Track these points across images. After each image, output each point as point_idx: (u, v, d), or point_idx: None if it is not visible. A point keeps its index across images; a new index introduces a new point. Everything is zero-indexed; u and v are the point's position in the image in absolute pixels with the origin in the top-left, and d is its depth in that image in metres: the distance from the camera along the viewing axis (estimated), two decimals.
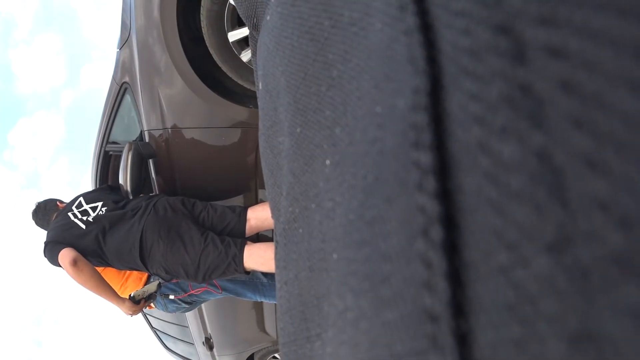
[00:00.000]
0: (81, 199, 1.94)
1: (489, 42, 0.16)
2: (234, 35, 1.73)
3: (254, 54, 0.54)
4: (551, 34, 0.14)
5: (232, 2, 1.67)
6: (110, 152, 2.22)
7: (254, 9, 0.51)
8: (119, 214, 1.81)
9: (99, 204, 1.88)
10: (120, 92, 1.99)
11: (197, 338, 2.51)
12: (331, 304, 0.27)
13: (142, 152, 1.88)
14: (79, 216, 1.83)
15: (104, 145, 2.20)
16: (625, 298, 0.11)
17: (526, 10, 0.15)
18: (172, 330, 2.73)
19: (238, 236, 1.80)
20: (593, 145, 0.13)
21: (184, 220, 1.75)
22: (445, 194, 0.18)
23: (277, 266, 0.40)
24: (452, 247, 0.17)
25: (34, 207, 2.05)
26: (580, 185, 0.13)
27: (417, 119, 0.19)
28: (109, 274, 2.00)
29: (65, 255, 1.68)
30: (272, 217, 0.45)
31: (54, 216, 1.95)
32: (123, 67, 1.94)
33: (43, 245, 1.81)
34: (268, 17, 0.42)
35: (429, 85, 0.19)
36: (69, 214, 1.86)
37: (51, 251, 1.74)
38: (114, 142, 2.17)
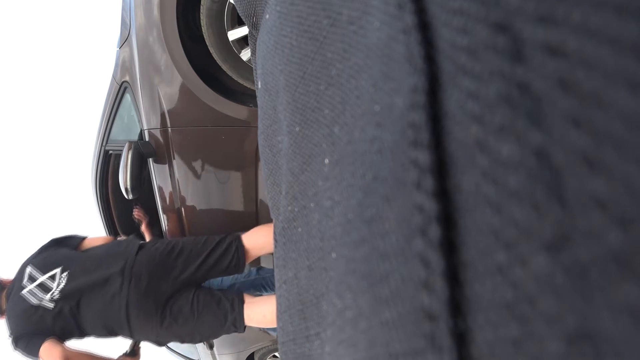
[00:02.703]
0: (29, 268, 1.54)
1: (487, 40, 0.16)
2: (234, 34, 1.73)
3: (253, 52, 0.54)
4: (549, 32, 0.14)
5: (232, 1, 1.66)
6: (110, 152, 2.22)
7: (253, 7, 0.51)
8: (89, 283, 1.49)
9: (57, 270, 1.51)
10: (120, 91, 1.99)
11: None
12: (330, 303, 0.27)
13: (142, 151, 1.88)
14: (39, 294, 1.47)
15: (104, 144, 2.20)
16: (623, 297, 0.11)
17: (524, 8, 0.15)
18: None
19: (239, 264, 1.61)
20: (591, 144, 0.13)
21: (170, 288, 1.52)
22: (444, 193, 0.18)
23: (276, 265, 0.40)
24: (450, 246, 0.17)
25: None
26: (579, 184, 0.13)
27: (415, 117, 0.19)
28: None
29: (52, 354, 1.39)
30: (271, 215, 0.45)
31: (2, 298, 1.55)
32: (123, 66, 1.94)
33: (10, 339, 1.47)
34: (267, 16, 0.42)
35: (427, 83, 0.19)
36: (24, 293, 1.48)
37: (28, 347, 1.42)
38: (114, 142, 2.18)
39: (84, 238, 1.75)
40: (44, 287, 1.48)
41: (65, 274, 1.50)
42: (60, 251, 1.61)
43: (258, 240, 1.64)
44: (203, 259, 1.59)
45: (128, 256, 1.56)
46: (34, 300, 1.46)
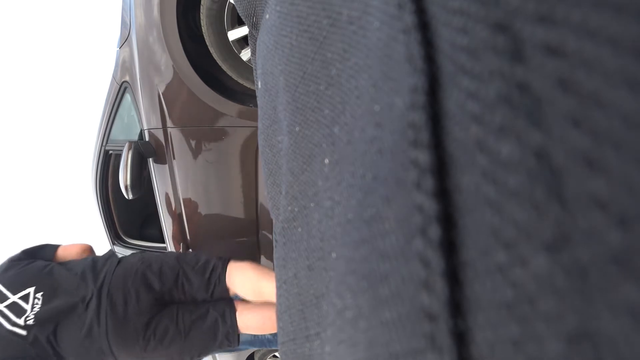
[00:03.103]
0: None
1: (487, 40, 0.16)
2: (234, 34, 1.73)
3: (253, 52, 0.54)
4: (549, 32, 0.14)
5: (232, 1, 1.66)
6: (110, 152, 2.22)
7: (253, 7, 0.51)
8: (65, 308, 1.35)
9: (30, 290, 1.34)
10: (120, 91, 1.99)
11: None
12: (330, 303, 0.27)
13: (142, 151, 1.88)
14: (12, 317, 1.31)
15: (104, 144, 2.20)
16: (624, 297, 0.11)
17: (524, 8, 0.15)
18: None
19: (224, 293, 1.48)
20: (591, 144, 0.13)
21: (152, 307, 1.42)
22: (443, 193, 0.18)
23: (276, 265, 0.40)
24: (450, 246, 0.17)
25: None
26: (579, 184, 0.13)
27: (415, 117, 0.19)
28: None
29: None
30: (271, 215, 0.45)
31: None
32: (123, 66, 1.94)
33: None
34: (267, 16, 0.42)
35: (427, 83, 0.19)
36: None
37: None
38: (114, 142, 2.18)
39: (57, 247, 1.60)
40: (16, 309, 1.32)
41: (40, 294, 1.34)
42: (33, 266, 1.43)
43: (242, 282, 1.48)
44: (187, 277, 1.49)
45: (106, 275, 1.44)
46: (7, 324, 1.32)
